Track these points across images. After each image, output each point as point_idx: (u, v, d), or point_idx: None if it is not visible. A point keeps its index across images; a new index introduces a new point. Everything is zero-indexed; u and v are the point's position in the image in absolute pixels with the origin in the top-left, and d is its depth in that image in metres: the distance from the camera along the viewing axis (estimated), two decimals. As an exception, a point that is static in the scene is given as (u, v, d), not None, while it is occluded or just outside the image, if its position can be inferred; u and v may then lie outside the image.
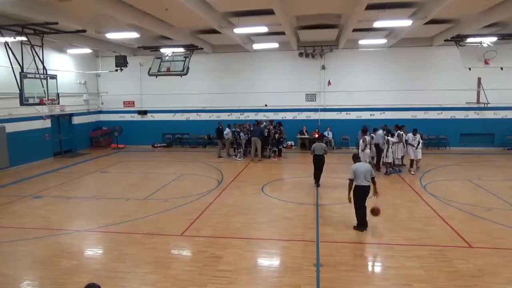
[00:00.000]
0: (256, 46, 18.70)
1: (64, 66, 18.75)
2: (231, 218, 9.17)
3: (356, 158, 8.46)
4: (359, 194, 8.06)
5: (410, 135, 13.81)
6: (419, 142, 13.70)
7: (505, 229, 8.17)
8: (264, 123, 18.23)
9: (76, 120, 20.16)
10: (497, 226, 8.34)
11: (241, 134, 17.12)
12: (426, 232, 8.07)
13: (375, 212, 7.98)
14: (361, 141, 13.58)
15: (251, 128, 17.53)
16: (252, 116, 20.34)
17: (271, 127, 17.60)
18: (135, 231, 8.38)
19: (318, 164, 11.98)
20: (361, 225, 8.17)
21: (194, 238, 7.91)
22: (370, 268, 6.74)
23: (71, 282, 6.13)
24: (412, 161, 13.81)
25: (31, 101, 13.26)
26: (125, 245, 7.62)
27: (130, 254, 7.19)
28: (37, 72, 13.60)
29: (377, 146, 13.98)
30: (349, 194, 8.13)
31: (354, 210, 8.26)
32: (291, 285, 5.95)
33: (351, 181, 8.04)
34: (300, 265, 6.58)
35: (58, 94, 14.57)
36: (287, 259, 6.88)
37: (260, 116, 20.25)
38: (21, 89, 12.69)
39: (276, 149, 17.54)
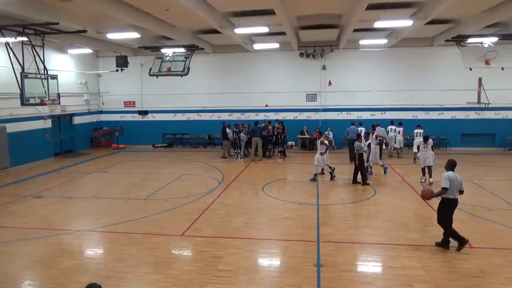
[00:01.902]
0: (256, 46, 18.71)
1: (65, 66, 18.77)
2: (231, 218, 9.17)
3: (452, 166, 7.04)
4: (452, 210, 6.98)
5: (421, 141, 12.59)
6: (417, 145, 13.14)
7: (506, 229, 8.16)
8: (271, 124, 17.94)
9: (77, 120, 20.17)
10: (497, 226, 8.33)
11: (241, 134, 17.11)
12: (426, 232, 8.04)
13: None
14: (319, 143, 12.59)
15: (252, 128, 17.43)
16: (252, 116, 20.31)
17: (270, 127, 17.55)
18: (135, 231, 8.38)
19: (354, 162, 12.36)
20: (459, 240, 7.01)
21: (194, 238, 7.91)
22: (370, 268, 6.72)
23: (71, 282, 6.13)
24: (423, 168, 12.19)
25: (32, 101, 13.27)
26: (125, 245, 7.62)
27: (130, 254, 7.19)
28: (38, 72, 13.61)
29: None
30: (435, 195, 7.09)
31: (443, 227, 7.09)
32: (292, 285, 5.94)
33: (445, 190, 6.80)
34: (301, 265, 6.57)
35: (59, 94, 14.58)
36: (287, 259, 6.87)
37: (261, 116, 20.23)
38: (22, 89, 12.71)
39: (282, 150, 17.46)
